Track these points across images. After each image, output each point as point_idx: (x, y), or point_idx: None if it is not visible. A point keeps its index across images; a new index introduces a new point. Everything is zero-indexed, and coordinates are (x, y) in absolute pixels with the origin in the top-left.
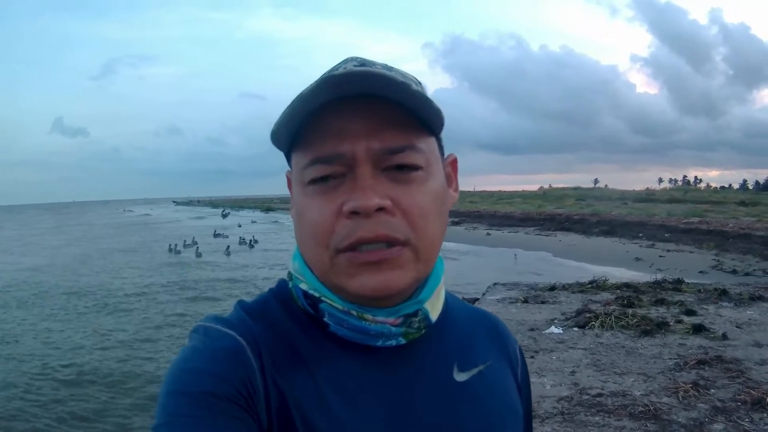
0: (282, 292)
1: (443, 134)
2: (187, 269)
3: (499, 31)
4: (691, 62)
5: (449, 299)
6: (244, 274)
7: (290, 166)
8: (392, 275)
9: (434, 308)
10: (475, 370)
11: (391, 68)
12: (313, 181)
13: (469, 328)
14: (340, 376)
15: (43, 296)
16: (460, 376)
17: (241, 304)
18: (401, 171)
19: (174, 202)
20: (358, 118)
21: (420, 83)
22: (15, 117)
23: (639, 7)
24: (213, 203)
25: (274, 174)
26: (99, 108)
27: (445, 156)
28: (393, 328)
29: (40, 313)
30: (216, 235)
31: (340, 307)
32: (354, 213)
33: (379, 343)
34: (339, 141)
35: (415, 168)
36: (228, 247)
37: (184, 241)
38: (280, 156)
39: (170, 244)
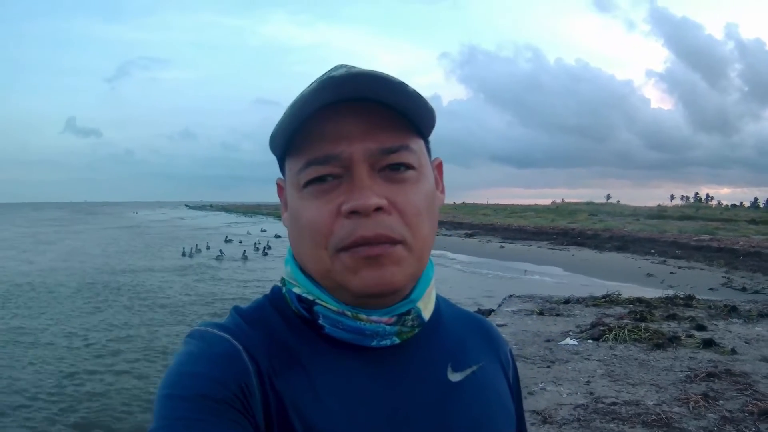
0: (276, 297)
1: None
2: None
3: (516, 42)
4: (707, 78)
5: (441, 302)
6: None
7: (282, 174)
8: (392, 270)
9: (426, 308)
10: (468, 371)
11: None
12: (310, 183)
13: (461, 330)
14: (336, 377)
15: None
16: (455, 376)
17: (236, 310)
18: (396, 171)
19: (187, 206)
20: (353, 121)
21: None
22: (29, 117)
23: (655, 22)
24: (226, 208)
25: None
26: (112, 109)
27: (432, 159)
28: (387, 327)
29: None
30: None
31: (334, 308)
32: (353, 213)
33: (374, 343)
34: (335, 143)
35: (409, 168)
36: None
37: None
38: None
39: (183, 248)
